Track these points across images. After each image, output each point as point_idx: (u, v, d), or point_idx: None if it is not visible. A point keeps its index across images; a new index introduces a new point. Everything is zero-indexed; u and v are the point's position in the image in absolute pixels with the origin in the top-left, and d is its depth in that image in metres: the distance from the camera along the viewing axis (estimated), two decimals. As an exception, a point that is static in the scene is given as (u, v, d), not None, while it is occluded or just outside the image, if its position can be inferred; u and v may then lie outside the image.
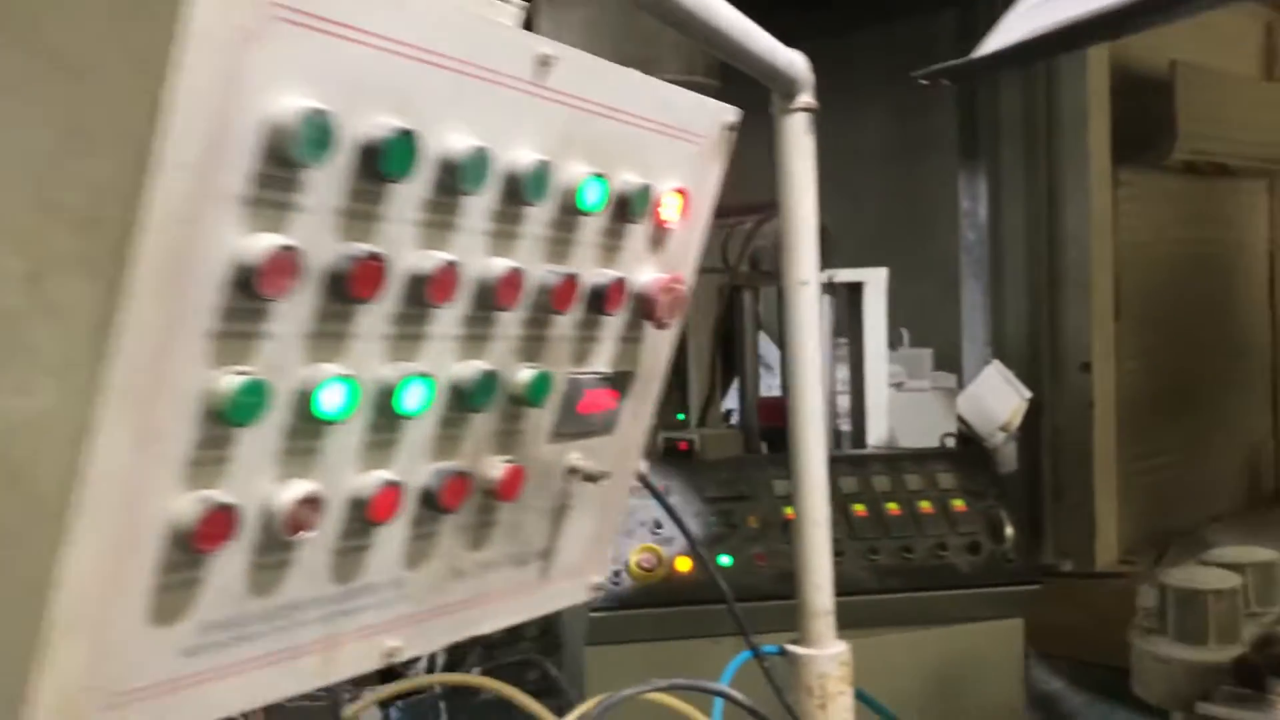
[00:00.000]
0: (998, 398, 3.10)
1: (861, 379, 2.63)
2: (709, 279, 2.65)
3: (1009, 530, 2.27)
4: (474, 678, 1.30)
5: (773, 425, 2.37)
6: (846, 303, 2.66)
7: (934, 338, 4.13)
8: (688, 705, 1.34)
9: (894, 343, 3.87)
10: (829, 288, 2.69)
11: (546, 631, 2.70)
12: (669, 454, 2.50)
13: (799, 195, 1.47)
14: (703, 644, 2.04)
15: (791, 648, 1.44)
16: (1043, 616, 3.29)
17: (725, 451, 2.48)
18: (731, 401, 2.84)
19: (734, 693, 1.27)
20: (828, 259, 2.56)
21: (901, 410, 3.00)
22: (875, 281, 2.61)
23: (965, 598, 2.24)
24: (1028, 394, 3.05)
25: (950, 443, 2.55)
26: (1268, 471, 5.25)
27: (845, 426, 2.77)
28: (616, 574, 2.21)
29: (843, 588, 2.21)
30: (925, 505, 2.30)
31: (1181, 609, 1.77)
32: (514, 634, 2.85)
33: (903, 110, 4.64)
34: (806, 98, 1.45)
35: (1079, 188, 4.24)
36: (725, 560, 2.24)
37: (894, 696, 2.14)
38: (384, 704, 2.38)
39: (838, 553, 2.25)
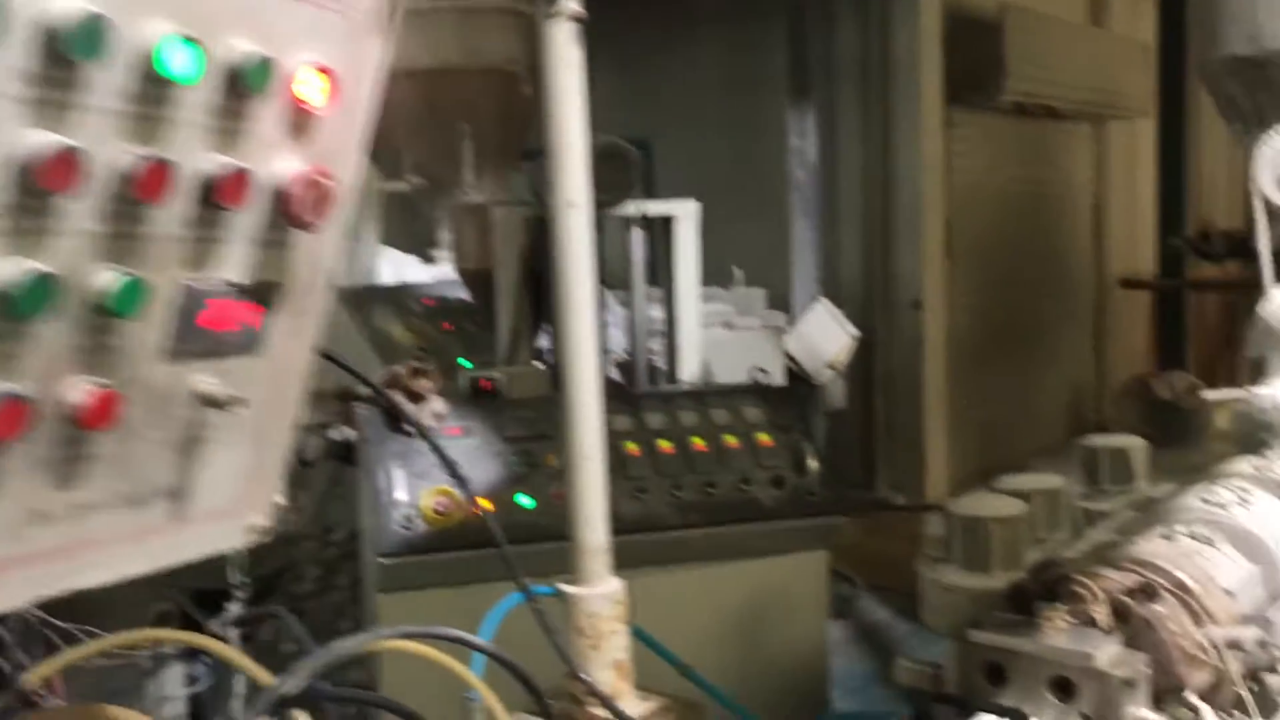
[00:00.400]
0: (825, 336, 3.09)
1: (673, 315, 2.57)
2: (513, 211, 2.52)
3: (812, 463, 2.25)
4: (184, 635, 1.17)
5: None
6: (661, 237, 2.58)
7: (771, 277, 4.11)
8: (439, 653, 1.24)
9: (725, 281, 3.84)
10: (643, 221, 2.60)
11: (359, 580, 2.58)
12: (473, 393, 2.38)
13: (565, 111, 1.35)
14: (503, 587, 1.96)
15: (564, 587, 1.37)
16: (873, 549, 3.34)
17: (530, 390, 2.38)
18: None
19: (467, 636, 1.18)
20: (631, 186, 2.48)
21: (730, 348, 2.97)
22: (686, 215, 2.53)
23: (768, 531, 2.22)
24: (855, 332, 3.05)
25: (762, 379, 2.51)
26: (1090, 406, 5.49)
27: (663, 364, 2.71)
28: (409, 519, 2.10)
29: (646, 524, 2.17)
30: (731, 440, 2.26)
31: (966, 537, 1.76)
32: (326, 584, 2.72)
33: (737, 46, 4.57)
34: (571, 4, 1.33)
35: (911, 128, 4.27)
36: (526, 501, 2.15)
37: (697, 631, 2.12)
38: (188, 658, 2.22)
39: (641, 489, 2.22)
